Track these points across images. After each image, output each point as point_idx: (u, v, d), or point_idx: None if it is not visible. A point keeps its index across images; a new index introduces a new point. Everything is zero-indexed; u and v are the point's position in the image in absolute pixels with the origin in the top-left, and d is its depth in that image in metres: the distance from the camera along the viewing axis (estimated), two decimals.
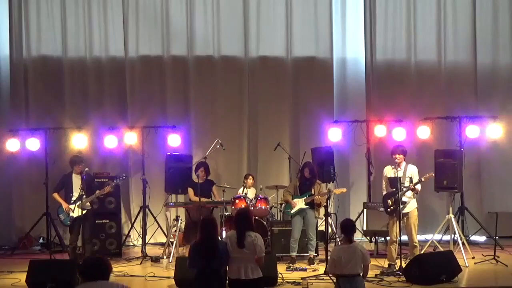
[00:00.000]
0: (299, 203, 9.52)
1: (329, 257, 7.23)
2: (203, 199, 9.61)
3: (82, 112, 11.74)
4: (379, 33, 12.15)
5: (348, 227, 6.83)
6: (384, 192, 9.11)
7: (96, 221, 10.18)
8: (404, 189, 8.80)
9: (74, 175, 9.36)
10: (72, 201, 9.25)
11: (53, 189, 9.61)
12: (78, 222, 9.22)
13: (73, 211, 9.22)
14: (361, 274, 6.58)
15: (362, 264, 6.57)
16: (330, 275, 7.19)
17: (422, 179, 8.92)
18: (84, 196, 9.03)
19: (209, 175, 10.16)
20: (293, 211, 9.54)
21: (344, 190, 9.99)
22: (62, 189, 9.44)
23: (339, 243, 7.22)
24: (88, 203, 9.25)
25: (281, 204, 10.83)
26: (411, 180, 8.85)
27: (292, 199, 9.59)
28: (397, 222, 8.71)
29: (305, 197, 9.51)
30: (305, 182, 9.63)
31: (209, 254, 6.29)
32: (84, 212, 9.07)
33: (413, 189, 8.83)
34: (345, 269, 6.50)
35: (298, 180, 9.79)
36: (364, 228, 10.48)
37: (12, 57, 11.72)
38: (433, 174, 9.23)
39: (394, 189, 8.76)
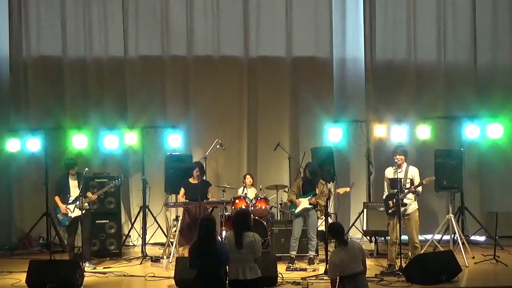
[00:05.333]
0: (304, 203, 9.49)
1: (329, 263, 7.15)
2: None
3: (82, 112, 11.72)
4: (379, 32, 12.12)
5: (338, 231, 6.79)
6: (386, 194, 9.09)
7: (96, 221, 10.21)
8: (406, 190, 8.79)
9: (70, 176, 9.41)
10: (69, 202, 9.29)
11: (54, 192, 9.71)
12: (76, 222, 9.29)
13: (72, 211, 9.25)
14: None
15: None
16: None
17: (424, 182, 8.91)
18: (82, 197, 9.06)
19: (203, 176, 10.11)
20: (297, 210, 9.50)
21: (348, 189, 9.99)
22: (61, 192, 9.49)
23: (335, 247, 7.13)
24: (86, 204, 9.27)
25: (281, 204, 10.84)
26: (412, 181, 8.84)
27: (297, 198, 9.58)
28: (398, 223, 8.71)
29: (310, 197, 9.49)
30: (308, 182, 9.61)
31: (208, 254, 6.29)
32: (82, 212, 9.10)
33: (414, 192, 8.83)
34: (348, 269, 6.48)
35: (302, 179, 9.77)
36: (364, 228, 10.46)
37: (12, 57, 11.69)
38: (434, 178, 9.23)
39: (396, 190, 8.76)
